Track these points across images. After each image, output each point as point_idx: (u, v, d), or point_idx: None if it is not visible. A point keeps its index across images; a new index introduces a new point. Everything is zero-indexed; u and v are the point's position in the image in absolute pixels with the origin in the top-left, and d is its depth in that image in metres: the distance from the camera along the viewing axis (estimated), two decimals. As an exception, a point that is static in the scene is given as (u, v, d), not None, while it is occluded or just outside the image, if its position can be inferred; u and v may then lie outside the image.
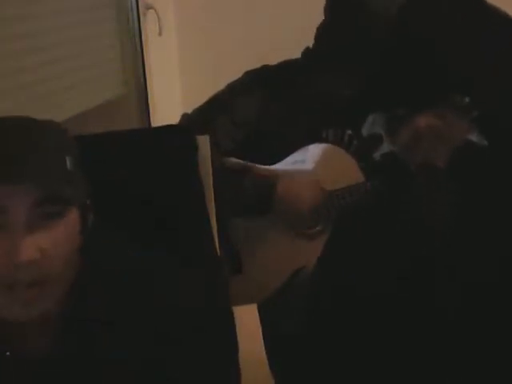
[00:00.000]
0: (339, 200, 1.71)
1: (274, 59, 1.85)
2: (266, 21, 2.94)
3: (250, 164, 1.73)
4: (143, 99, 2.82)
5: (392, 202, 1.27)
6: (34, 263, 0.89)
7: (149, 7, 2.81)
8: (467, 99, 1.20)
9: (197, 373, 1.04)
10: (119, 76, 2.71)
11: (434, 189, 1.21)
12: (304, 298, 1.38)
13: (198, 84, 2.66)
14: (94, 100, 2.46)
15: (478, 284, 1.17)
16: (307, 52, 1.81)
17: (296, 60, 1.83)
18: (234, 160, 1.73)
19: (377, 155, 1.27)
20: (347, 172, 1.73)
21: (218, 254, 1.42)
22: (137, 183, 1.35)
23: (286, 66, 1.85)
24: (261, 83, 1.83)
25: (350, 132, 1.74)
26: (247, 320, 1.43)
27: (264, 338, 1.51)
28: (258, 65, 1.86)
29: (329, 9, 1.74)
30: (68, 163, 0.94)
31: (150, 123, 2.83)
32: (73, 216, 0.94)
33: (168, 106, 2.95)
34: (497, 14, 1.29)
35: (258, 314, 1.59)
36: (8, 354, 0.99)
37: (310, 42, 1.79)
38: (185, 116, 1.84)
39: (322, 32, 1.76)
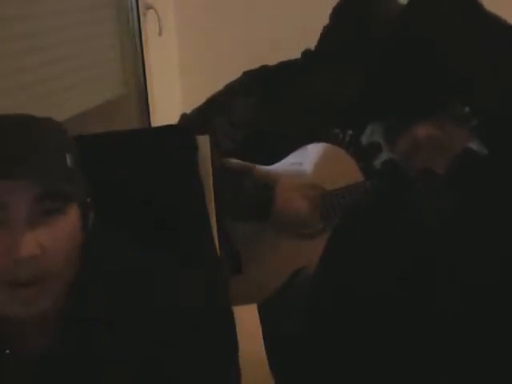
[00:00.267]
0: (339, 199, 1.72)
1: (273, 59, 1.85)
2: (266, 21, 2.94)
3: (249, 165, 1.73)
4: (143, 99, 2.82)
5: (392, 202, 1.27)
6: (34, 259, 0.89)
7: (149, 7, 2.81)
8: (467, 108, 1.20)
9: (197, 373, 1.04)
10: (119, 76, 2.71)
11: (434, 197, 1.21)
12: (304, 298, 1.38)
13: (198, 84, 2.66)
14: (94, 100, 2.46)
15: (477, 284, 1.17)
16: (307, 52, 1.81)
17: (296, 60, 1.83)
18: (234, 161, 1.73)
19: (377, 163, 1.27)
20: (347, 172, 1.73)
21: (218, 253, 1.42)
22: (137, 183, 1.35)
23: (286, 66, 1.86)
24: (260, 83, 1.83)
25: (350, 132, 1.74)
26: (247, 320, 1.43)
27: (264, 338, 1.51)
28: (257, 65, 1.87)
29: (335, 12, 1.74)
30: (68, 160, 0.94)
31: (150, 123, 2.83)
32: (73, 213, 0.94)
33: (168, 106, 2.95)
34: (496, 16, 1.29)
35: (258, 314, 1.59)
36: (8, 351, 0.99)
37: (310, 42, 1.79)
38: (184, 116, 1.84)
39: (324, 33, 1.76)
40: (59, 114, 2.06)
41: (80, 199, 0.96)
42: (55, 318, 0.99)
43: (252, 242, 1.73)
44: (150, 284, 1.04)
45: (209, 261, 1.37)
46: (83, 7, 2.40)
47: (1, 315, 0.95)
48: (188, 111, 1.84)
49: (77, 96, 2.33)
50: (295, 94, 1.80)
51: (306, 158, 1.76)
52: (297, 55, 1.83)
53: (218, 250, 1.42)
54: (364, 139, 1.29)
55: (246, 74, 1.85)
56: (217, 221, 1.45)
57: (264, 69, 1.86)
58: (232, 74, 1.85)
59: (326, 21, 1.77)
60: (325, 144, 1.76)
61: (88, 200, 0.99)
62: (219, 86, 1.84)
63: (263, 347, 1.49)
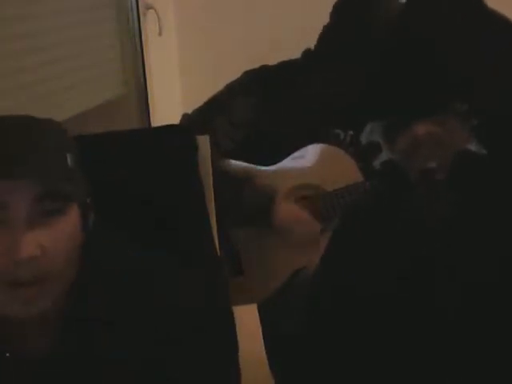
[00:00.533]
0: (339, 199, 1.71)
1: (273, 59, 1.85)
2: (266, 21, 2.94)
3: (250, 170, 1.73)
4: (143, 99, 2.83)
5: (392, 202, 1.27)
6: (35, 260, 0.89)
7: (149, 7, 2.81)
8: (466, 106, 1.20)
9: (197, 373, 1.04)
10: (119, 76, 2.71)
11: (434, 198, 1.21)
12: (304, 297, 1.38)
13: (198, 84, 2.66)
14: (94, 100, 2.46)
15: (477, 284, 1.17)
16: (307, 52, 1.81)
17: (296, 60, 1.83)
18: (234, 164, 1.73)
19: (376, 163, 1.27)
20: (346, 172, 1.73)
21: (218, 254, 1.42)
22: (137, 183, 1.35)
23: (286, 66, 1.85)
24: (260, 83, 1.83)
25: (351, 132, 1.74)
26: (247, 320, 1.43)
27: (264, 338, 1.51)
28: (257, 65, 1.86)
29: (334, 12, 1.74)
30: (68, 160, 0.94)
31: (150, 123, 2.83)
32: (73, 213, 0.94)
33: (168, 106, 2.95)
34: (496, 15, 1.29)
35: (258, 314, 1.59)
36: (8, 355, 0.99)
37: (310, 42, 1.79)
38: (185, 116, 1.84)
39: (324, 33, 1.76)
40: (59, 114, 2.06)
41: (80, 199, 0.96)
42: (55, 318, 0.99)
43: (252, 242, 1.72)
44: (149, 284, 1.04)
45: (209, 261, 1.37)
46: (83, 7, 2.40)
47: (1, 315, 0.95)
48: (188, 111, 1.84)
49: (77, 96, 2.33)
50: (295, 94, 1.80)
51: (306, 159, 1.76)
52: (297, 55, 1.83)
53: (218, 250, 1.42)
54: (363, 138, 1.29)
55: (247, 73, 1.85)
56: (217, 221, 1.45)
57: (264, 69, 1.86)
58: (232, 73, 1.85)
59: (325, 20, 1.77)
60: (325, 144, 1.76)
61: (88, 200, 0.99)
62: (219, 86, 1.84)
63: (263, 347, 1.50)
